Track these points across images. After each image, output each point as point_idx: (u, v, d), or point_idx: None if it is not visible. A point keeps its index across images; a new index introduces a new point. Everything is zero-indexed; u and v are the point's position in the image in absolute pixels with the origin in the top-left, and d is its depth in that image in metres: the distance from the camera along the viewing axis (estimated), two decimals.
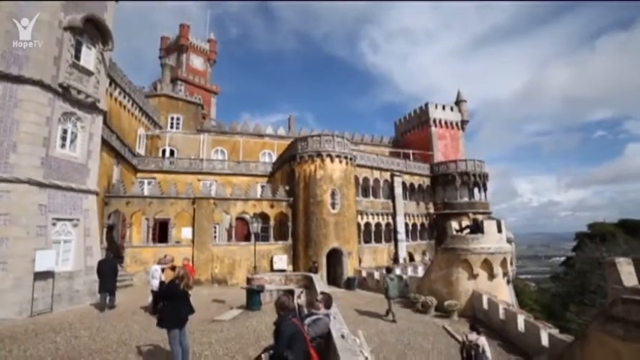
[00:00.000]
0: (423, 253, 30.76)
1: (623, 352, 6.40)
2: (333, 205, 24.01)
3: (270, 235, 24.92)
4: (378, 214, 29.29)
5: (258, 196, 25.87)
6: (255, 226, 20.73)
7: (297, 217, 24.71)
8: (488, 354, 7.56)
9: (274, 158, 34.84)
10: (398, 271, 21.67)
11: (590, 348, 7.26)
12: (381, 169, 30.22)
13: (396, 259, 26.70)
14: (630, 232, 33.57)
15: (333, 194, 24.17)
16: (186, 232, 23.38)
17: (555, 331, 10.30)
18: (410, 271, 21.58)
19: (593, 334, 7.22)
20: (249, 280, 15.03)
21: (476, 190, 33.35)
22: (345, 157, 25.12)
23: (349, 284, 21.74)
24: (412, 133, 42.72)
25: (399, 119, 45.84)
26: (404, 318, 14.48)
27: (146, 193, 24.69)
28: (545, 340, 10.09)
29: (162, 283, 8.26)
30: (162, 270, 10.86)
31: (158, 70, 43.93)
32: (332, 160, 24.55)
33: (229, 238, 25.23)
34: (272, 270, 22.90)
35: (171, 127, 36.06)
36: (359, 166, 27.99)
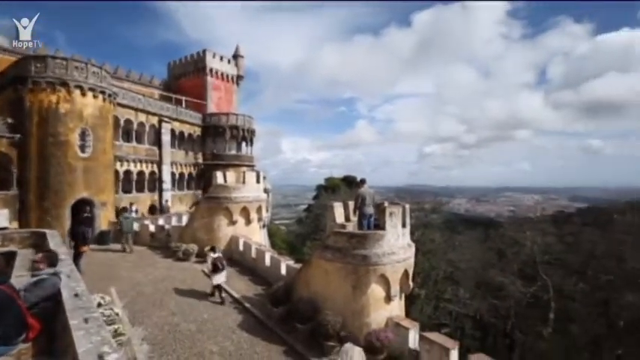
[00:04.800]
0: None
1: (330, 270, 8.86)
2: (82, 148, 19.90)
3: None
4: (141, 162, 26.61)
5: None
6: None
7: (28, 159, 19.05)
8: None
9: None
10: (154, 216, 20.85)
11: (311, 270, 9.60)
12: (148, 113, 27.15)
13: (161, 210, 25.32)
14: (349, 185, 45.12)
15: (83, 135, 19.93)
16: None
17: (291, 262, 12.91)
18: (174, 221, 21.14)
19: (314, 260, 9.56)
20: None
21: (244, 144, 35.61)
22: (103, 92, 20.94)
23: (102, 239, 19.14)
24: (187, 78, 40.15)
25: (174, 61, 41.90)
26: (164, 267, 14.39)
27: None
28: (283, 270, 12.49)
29: None
30: None
31: None
32: (84, 94, 19.93)
33: None
34: None
35: None
36: (121, 105, 24.13)
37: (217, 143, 33.82)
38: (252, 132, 35.79)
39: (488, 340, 20.23)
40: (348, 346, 6.30)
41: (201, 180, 33.33)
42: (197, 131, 33.04)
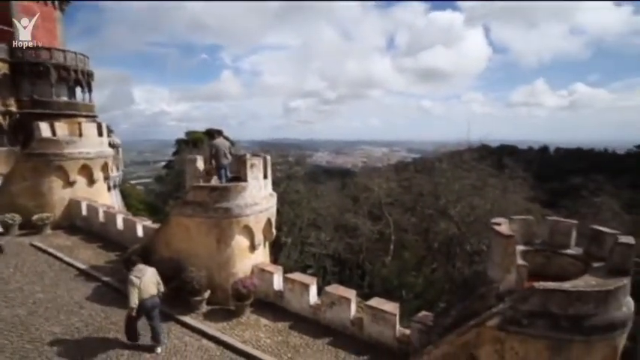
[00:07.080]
0: None
1: (191, 226, 8.49)
2: None
3: None
4: None
5: None
6: None
7: None
8: None
9: None
10: None
11: (171, 228, 9.02)
12: None
13: None
14: (212, 138, 42.97)
15: None
16: None
17: (148, 223, 11.86)
18: None
19: (174, 218, 8.97)
20: None
21: (78, 89, 29.30)
22: None
23: None
24: None
25: None
26: None
27: None
28: (140, 232, 11.42)
29: None
30: None
31: None
32: None
33: None
34: None
35: None
36: None
37: (38, 86, 26.81)
38: (89, 75, 29.55)
39: (345, 273, 23.32)
40: (141, 265, 6.66)
41: (19, 133, 26.44)
42: (3, 68, 25.40)
